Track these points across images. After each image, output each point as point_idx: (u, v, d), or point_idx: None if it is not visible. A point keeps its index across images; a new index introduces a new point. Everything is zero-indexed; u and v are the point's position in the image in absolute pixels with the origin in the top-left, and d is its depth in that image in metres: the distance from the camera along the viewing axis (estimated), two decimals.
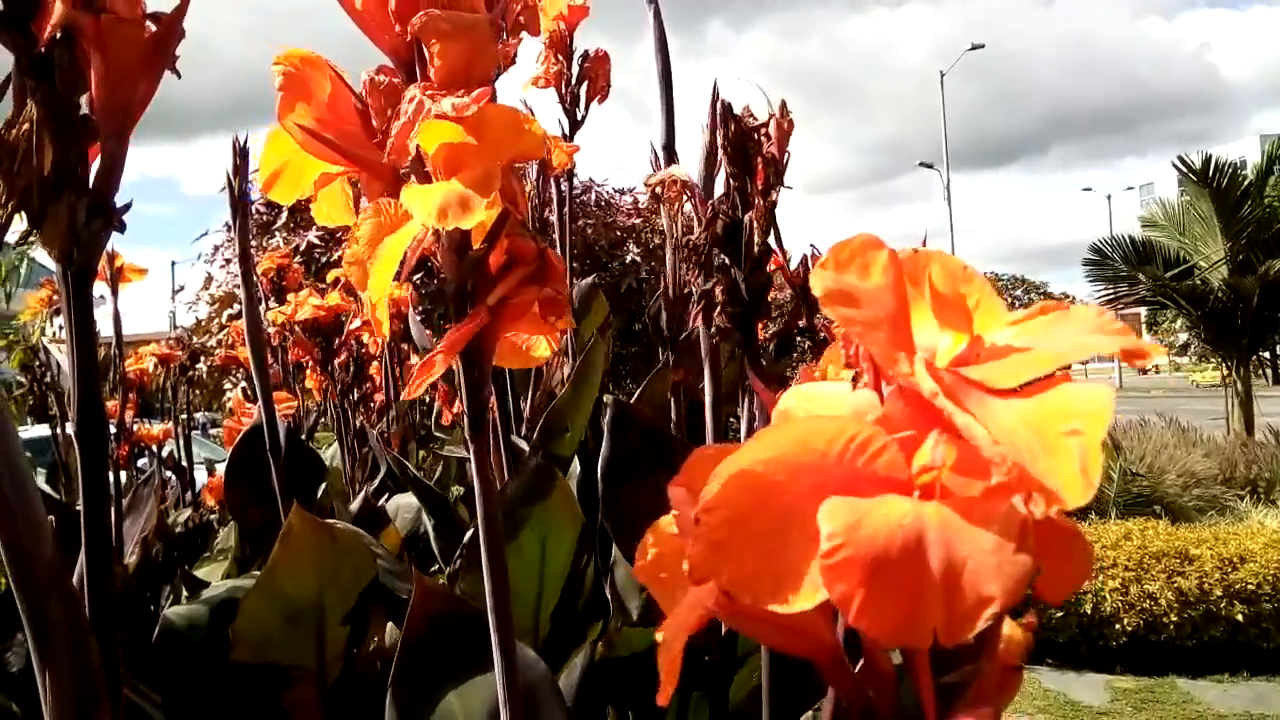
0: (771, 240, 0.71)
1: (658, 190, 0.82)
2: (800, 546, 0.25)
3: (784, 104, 0.72)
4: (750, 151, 0.70)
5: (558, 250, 1.63)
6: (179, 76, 0.55)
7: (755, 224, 0.70)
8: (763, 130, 0.71)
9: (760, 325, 0.74)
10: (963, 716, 0.27)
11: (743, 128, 0.70)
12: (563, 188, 1.67)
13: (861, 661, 0.30)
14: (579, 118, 1.56)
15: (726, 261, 0.71)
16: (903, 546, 0.24)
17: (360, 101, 0.56)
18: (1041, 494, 0.24)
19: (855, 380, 0.32)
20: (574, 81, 1.54)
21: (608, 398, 1.09)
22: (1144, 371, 42.90)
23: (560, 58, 1.53)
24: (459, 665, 0.78)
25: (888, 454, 0.26)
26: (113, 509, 1.93)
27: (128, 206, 0.52)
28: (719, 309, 0.71)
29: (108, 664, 0.53)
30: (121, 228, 0.52)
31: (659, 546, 0.35)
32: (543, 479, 1.04)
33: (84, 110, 0.52)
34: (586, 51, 1.55)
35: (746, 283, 0.71)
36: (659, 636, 0.33)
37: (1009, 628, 0.31)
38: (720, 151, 0.71)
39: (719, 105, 0.71)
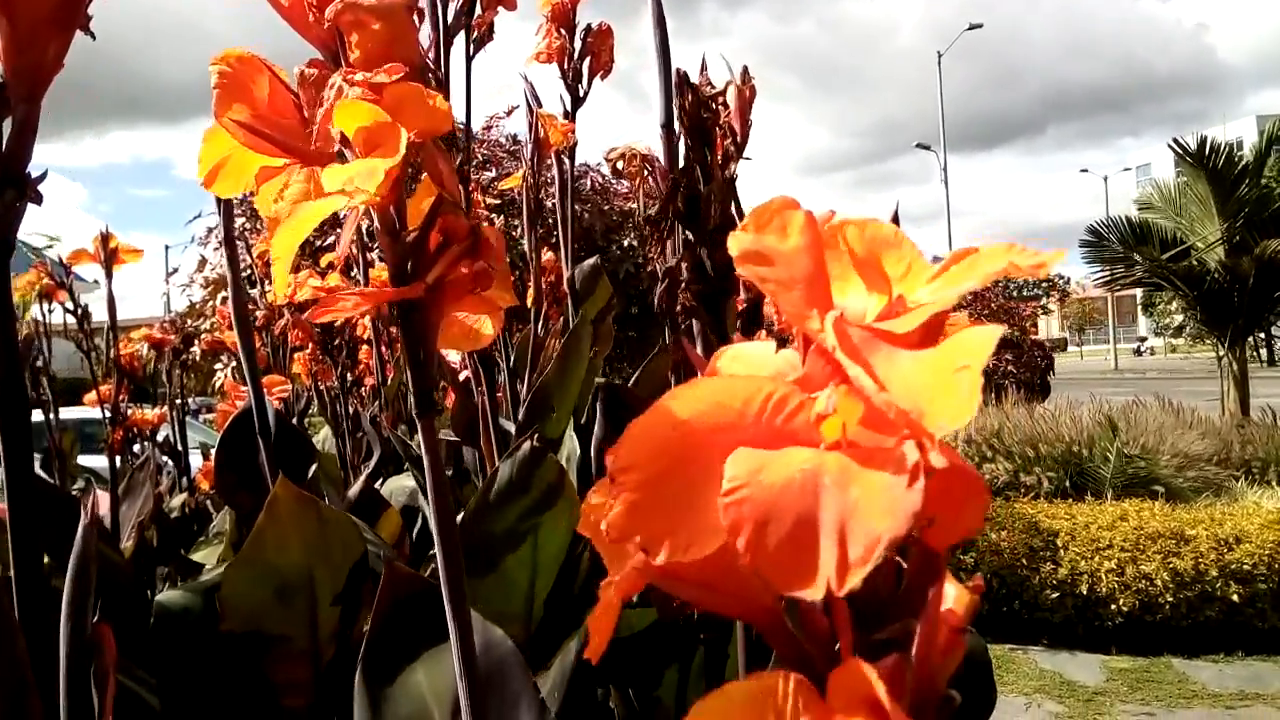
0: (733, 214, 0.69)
1: (619, 165, 0.80)
2: (713, 501, 0.25)
3: (745, 70, 0.70)
4: (707, 121, 0.68)
5: (557, 234, 1.62)
6: (93, 38, 0.53)
7: (714, 197, 0.68)
8: (720, 99, 0.69)
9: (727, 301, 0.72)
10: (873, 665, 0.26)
11: (699, 97, 0.68)
12: (564, 166, 1.64)
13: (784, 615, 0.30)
14: (581, 94, 1.53)
15: (690, 237, 0.70)
16: (799, 490, 0.24)
17: (296, 95, 0.57)
18: (930, 439, 0.24)
19: (782, 343, 0.33)
20: (576, 57, 1.51)
21: (599, 380, 1.08)
22: (1139, 353, 42.99)
23: (562, 32, 1.49)
24: (428, 645, 0.79)
25: (804, 412, 0.27)
26: (109, 493, 1.92)
27: (43, 176, 0.51)
28: (683, 286, 0.70)
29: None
30: (38, 199, 0.50)
31: (593, 511, 0.36)
32: (536, 462, 1.03)
33: None
34: (589, 26, 1.51)
35: (711, 259, 0.69)
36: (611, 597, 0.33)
37: (955, 590, 0.30)
38: (678, 122, 0.70)
39: (675, 75, 0.70)
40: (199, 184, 0.62)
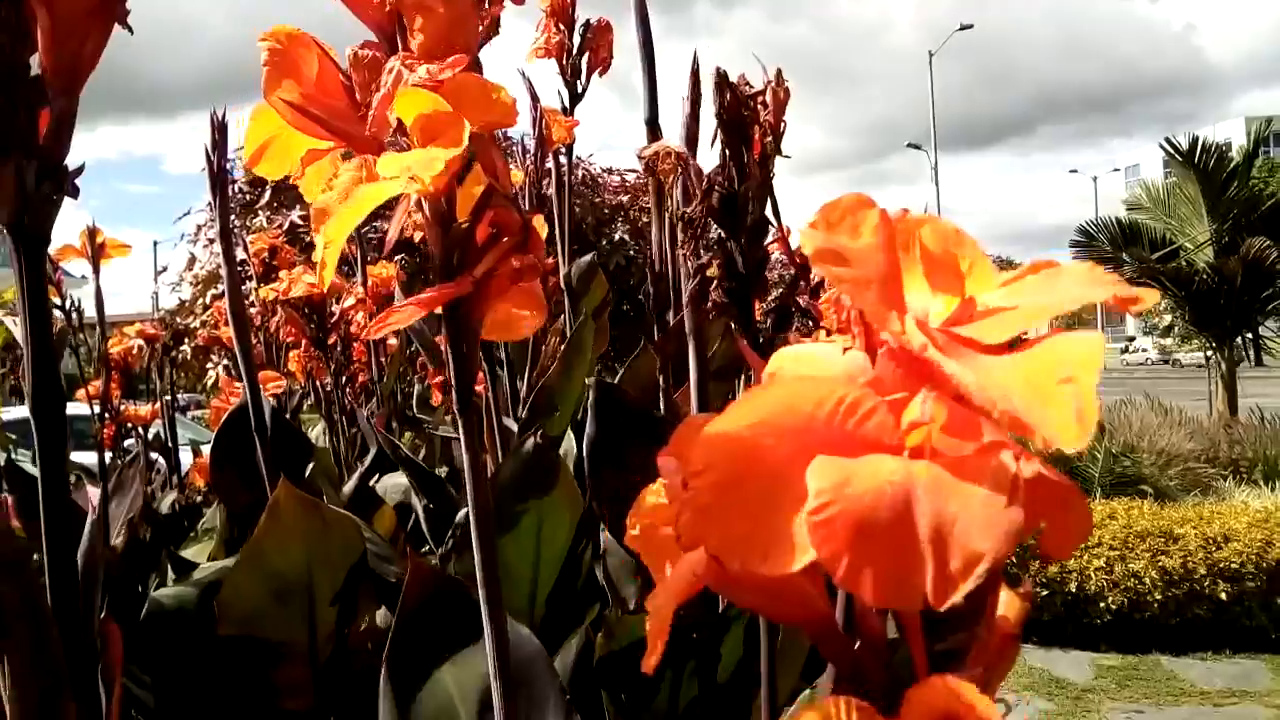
0: (769, 213, 0.69)
1: (651, 164, 0.80)
2: (789, 509, 0.24)
3: (779, 72, 0.70)
4: (747, 120, 0.68)
5: (555, 226, 1.62)
6: (130, 31, 0.53)
7: (751, 195, 0.68)
8: (759, 99, 0.69)
9: (757, 300, 0.72)
10: (954, 675, 0.26)
11: (738, 96, 0.68)
12: (561, 160, 1.63)
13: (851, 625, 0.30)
14: (579, 90, 1.52)
15: (723, 235, 0.70)
16: (891, 503, 0.23)
17: (345, 77, 0.56)
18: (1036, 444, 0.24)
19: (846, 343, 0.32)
20: (575, 53, 1.50)
21: (589, 379, 1.07)
22: (1126, 352, 43.17)
23: (561, 27, 1.49)
24: (453, 643, 0.78)
25: (878, 416, 0.26)
26: (99, 490, 1.91)
27: (80, 169, 0.51)
28: (715, 284, 0.70)
29: (75, 652, 0.51)
30: (74, 192, 0.50)
31: (647, 517, 0.35)
32: (540, 460, 1.03)
33: (34, 71, 0.49)
34: (588, 21, 1.51)
35: (744, 257, 0.69)
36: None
37: (1006, 596, 0.30)
38: (716, 121, 0.70)
39: (715, 74, 0.69)
40: (244, 163, 0.60)
